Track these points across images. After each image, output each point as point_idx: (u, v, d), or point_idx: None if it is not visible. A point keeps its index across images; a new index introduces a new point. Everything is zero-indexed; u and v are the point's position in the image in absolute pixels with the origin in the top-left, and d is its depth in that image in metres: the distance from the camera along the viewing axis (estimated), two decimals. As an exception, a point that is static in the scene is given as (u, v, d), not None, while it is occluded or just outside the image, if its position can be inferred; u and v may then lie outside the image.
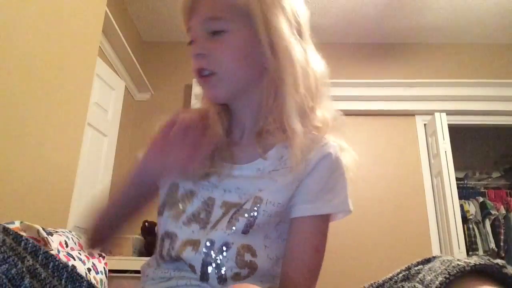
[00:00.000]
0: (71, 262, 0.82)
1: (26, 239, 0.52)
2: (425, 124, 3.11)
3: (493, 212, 3.43)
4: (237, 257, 0.59)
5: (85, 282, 0.56)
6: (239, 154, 0.68)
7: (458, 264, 0.36)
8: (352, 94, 3.06)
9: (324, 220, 0.63)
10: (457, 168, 2.92)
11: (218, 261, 0.58)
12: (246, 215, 0.60)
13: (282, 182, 0.62)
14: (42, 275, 0.50)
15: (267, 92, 0.65)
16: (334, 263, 2.64)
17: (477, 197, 3.58)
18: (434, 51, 3.25)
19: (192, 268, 0.60)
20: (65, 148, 1.55)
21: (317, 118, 0.67)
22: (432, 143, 2.99)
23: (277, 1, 0.65)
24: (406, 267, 0.40)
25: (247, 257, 0.59)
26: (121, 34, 2.48)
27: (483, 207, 3.48)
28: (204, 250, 0.59)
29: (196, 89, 2.85)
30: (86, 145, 2.16)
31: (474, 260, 0.37)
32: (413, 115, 3.14)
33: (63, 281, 0.53)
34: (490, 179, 3.94)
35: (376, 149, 3.05)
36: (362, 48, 3.27)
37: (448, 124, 2.95)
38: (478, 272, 0.36)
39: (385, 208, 2.88)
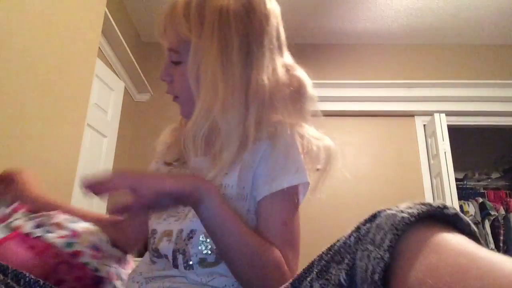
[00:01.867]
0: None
1: None
2: (424, 125, 3.11)
3: (492, 212, 3.43)
4: (201, 243, 0.61)
5: None
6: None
7: (402, 218, 0.36)
8: (351, 95, 3.06)
9: (286, 195, 0.63)
10: (456, 169, 2.92)
11: (185, 248, 0.62)
12: None
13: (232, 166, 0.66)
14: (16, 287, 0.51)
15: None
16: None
17: (476, 198, 3.58)
18: (434, 52, 3.26)
19: (166, 258, 0.64)
20: (64, 149, 1.55)
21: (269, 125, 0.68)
22: (432, 143, 3.00)
23: (221, 29, 0.66)
24: (356, 228, 0.40)
25: (212, 242, 0.61)
26: (120, 35, 2.48)
27: (482, 207, 3.48)
28: (175, 239, 0.63)
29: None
30: (85, 146, 2.16)
31: (416, 208, 0.37)
32: (413, 115, 3.14)
33: None
34: (489, 180, 3.93)
35: (376, 150, 3.05)
36: (362, 49, 3.28)
37: (448, 125, 2.95)
38: (423, 218, 0.36)
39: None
